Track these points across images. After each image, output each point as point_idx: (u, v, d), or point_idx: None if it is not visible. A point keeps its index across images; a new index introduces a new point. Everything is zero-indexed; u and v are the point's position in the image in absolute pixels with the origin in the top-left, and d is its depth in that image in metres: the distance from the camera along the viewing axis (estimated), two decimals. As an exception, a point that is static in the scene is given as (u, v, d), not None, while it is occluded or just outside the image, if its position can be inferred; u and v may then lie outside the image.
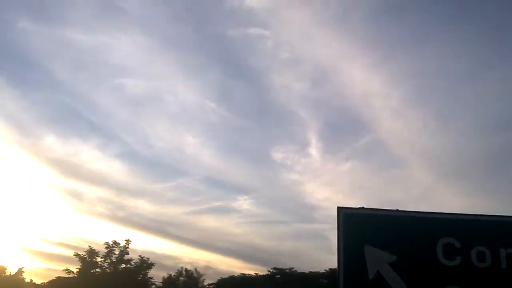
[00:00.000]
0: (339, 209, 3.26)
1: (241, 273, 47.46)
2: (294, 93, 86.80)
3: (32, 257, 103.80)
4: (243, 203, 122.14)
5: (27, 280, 55.05)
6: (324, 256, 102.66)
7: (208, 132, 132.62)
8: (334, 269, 37.68)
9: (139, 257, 30.61)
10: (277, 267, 44.68)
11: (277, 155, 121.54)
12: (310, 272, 43.11)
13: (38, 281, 57.91)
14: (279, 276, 41.89)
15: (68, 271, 28.87)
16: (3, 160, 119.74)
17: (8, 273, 53.64)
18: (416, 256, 3.04)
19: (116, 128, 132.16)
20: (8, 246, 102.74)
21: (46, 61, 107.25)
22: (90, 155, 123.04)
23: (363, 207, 3.25)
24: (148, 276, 31.40)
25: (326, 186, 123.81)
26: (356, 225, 3.21)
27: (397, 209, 3.22)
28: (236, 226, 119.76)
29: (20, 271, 54.42)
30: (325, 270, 42.01)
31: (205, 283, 43.40)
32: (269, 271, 44.73)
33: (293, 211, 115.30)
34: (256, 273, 46.35)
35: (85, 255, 28.39)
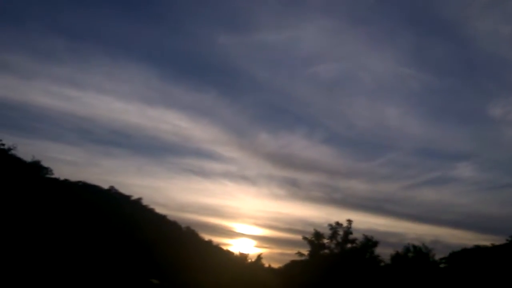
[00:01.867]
0: None
1: (475, 245, 43.27)
2: (503, 37, 74.33)
3: (267, 244, 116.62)
4: (464, 170, 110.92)
5: (266, 265, 62.20)
6: None
7: (410, 100, 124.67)
8: None
9: (363, 236, 30.91)
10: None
11: (496, 110, 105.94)
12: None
13: (275, 265, 64.85)
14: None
15: (300, 253, 31.07)
16: (230, 160, 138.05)
17: (249, 260, 61.54)
18: None
19: (317, 115, 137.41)
20: (244, 236, 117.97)
21: (246, 66, 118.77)
22: (299, 144, 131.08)
23: None
24: (375, 254, 31.45)
25: None
26: None
27: None
28: (459, 196, 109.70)
29: (259, 258, 61.76)
30: None
31: (435, 257, 40.97)
32: (507, 240, 39.56)
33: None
34: (492, 244, 41.54)
35: (312, 238, 30.13)
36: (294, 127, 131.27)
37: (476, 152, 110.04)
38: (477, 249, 41.72)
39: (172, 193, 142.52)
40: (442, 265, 41.24)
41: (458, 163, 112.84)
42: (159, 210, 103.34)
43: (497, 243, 41.26)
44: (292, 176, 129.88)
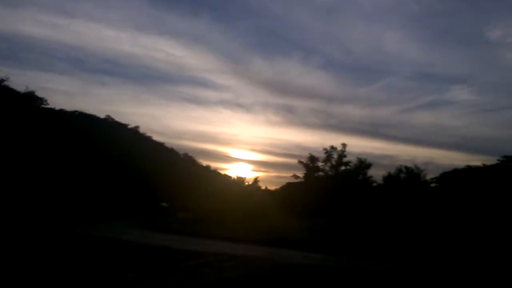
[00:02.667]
0: None
1: (466, 165, 44.42)
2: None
3: (263, 168, 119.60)
4: (460, 93, 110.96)
5: (262, 187, 64.39)
6: None
7: (409, 24, 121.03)
8: None
9: (357, 159, 31.60)
10: (508, 155, 40.03)
11: (494, 33, 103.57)
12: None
13: (271, 187, 67.13)
14: (512, 164, 37.59)
15: (295, 176, 31.96)
16: (225, 87, 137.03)
17: (246, 183, 63.53)
18: None
19: (314, 40, 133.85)
20: (242, 161, 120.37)
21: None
22: (295, 71, 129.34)
23: None
24: (368, 175, 32.36)
25: None
26: None
27: None
28: (454, 119, 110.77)
29: (256, 181, 63.72)
30: None
31: (427, 178, 42.31)
32: (498, 160, 40.49)
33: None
34: (483, 164, 42.62)
35: (307, 161, 30.81)
36: (290, 53, 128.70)
37: (472, 75, 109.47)
38: (468, 169, 42.80)
39: (168, 121, 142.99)
40: (433, 185, 42.67)
41: (454, 86, 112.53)
42: (156, 138, 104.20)
43: (488, 163, 42.35)
44: (288, 103, 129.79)
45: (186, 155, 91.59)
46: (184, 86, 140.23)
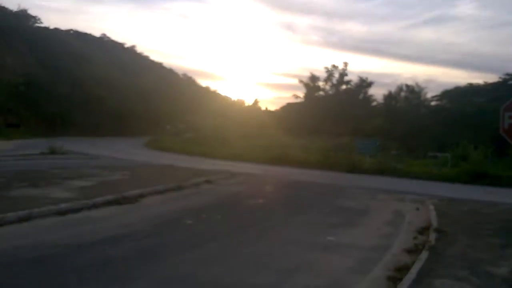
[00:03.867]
0: None
1: (468, 83, 44.26)
2: None
3: (264, 89, 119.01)
4: (465, 8, 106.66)
5: (263, 108, 64.76)
6: None
7: None
8: None
9: (358, 77, 31.48)
10: (509, 72, 39.74)
11: None
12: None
13: (272, 108, 67.50)
14: (513, 81, 37.48)
15: (296, 96, 32.12)
16: (221, 2, 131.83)
17: (246, 105, 63.76)
18: None
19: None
20: (243, 82, 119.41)
21: None
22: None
23: None
24: (369, 94, 32.46)
25: None
26: None
27: None
28: (458, 35, 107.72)
29: (256, 102, 63.88)
30: None
31: (428, 95, 42.42)
32: (500, 78, 40.31)
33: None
34: (485, 82, 42.52)
35: (308, 81, 30.76)
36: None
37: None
38: (470, 86, 42.80)
39: (165, 40, 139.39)
40: (433, 103, 42.99)
41: (459, 1, 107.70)
42: (154, 57, 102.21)
43: (490, 81, 42.24)
44: (288, 20, 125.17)
45: (185, 75, 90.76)
46: (182, 1, 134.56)
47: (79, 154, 23.54)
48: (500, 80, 39.67)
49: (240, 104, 65.36)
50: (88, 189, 10.98)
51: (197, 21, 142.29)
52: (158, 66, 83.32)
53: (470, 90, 41.27)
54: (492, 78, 60.33)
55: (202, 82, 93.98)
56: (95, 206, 9.22)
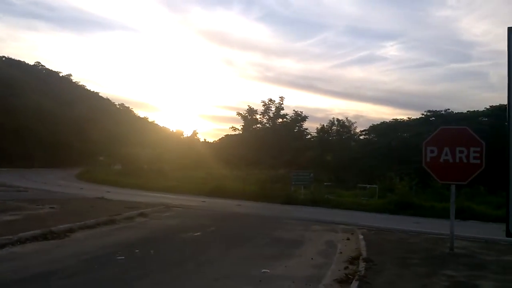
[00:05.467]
0: (510, 29, 2.93)
1: (393, 119, 47.29)
2: None
3: (203, 120, 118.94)
4: (390, 49, 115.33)
5: (201, 140, 64.66)
6: (483, 94, 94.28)
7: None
8: (496, 106, 34.88)
9: (294, 112, 32.55)
10: (430, 109, 43.10)
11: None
12: (468, 111, 40.71)
13: (210, 140, 67.58)
14: (433, 118, 40.58)
15: (234, 128, 32.44)
16: (157, 31, 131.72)
17: (185, 136, 63.35)
18: None
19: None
20: (181, 114, 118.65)
21: None
22: (235, 21, 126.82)
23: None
24: (303, 127, 33.59)
25: (485, 19, 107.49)
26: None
27: None
28: (384, 74, 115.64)
29: (194, 133, 63.64)
30: (485, 108, 39.20)
31: (357, 130, 44.84)
32: (422, 114, 43.52)
33: (447, 51, 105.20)
34: (408, 118, 45.67)
35: (246, 113, 31.27)
36: (230, 3, 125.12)
37: (402, 32, 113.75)
38: (395, 122, 45.70)
39: (103, 70, 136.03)
40: (362, 137, 45.46)
41: (385, 43, 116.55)
42: (90, 87, 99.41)
43: (413, 117, 45.44)
44: (227, 55, 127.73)
45: (122, 105, 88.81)
46: (119, 31, 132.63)
47: (6, 186, 22.19)
48: (423, 116, 42.76)
49: (178, 135, 64.80)
50: (13, 224, 10.33)
51: (136, 51, 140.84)
52: (95, 96, 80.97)
53: (395, 125, 44.09)
54: (415, 114, 64.93)
55: (140, 113, 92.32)
56: (20, 241, 8.70)
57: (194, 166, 43.45)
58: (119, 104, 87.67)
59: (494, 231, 12.63)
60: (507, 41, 2.98)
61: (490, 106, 37.90)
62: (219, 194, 24.69)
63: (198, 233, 11.64)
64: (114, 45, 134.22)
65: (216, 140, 63.08)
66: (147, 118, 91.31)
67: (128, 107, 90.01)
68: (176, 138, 60.87)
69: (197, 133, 63.39)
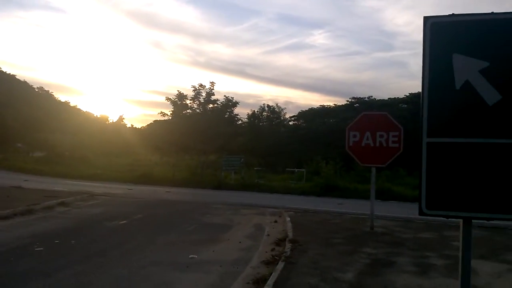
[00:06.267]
0: (426, 18, 3.05)
1: (320, 105, 48.89)
2: None
3: (130, 105, 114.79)
4: (319, 37, 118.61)
5: (128, 125, 62.42)
6: (403, 82, 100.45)
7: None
8: (414, 93, 37.28)
9: (224, 97, 32.33)
10: (355, 96, 45.12)
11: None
12: (389, 98, 43.14)
13: (138, 125, 65.46)
14: (358, 104, 42.51)
15: (163, 114, 31.54)
16: (81, 11, 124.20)
17: (110, 121, 60.84)
18: (510, 60, 2.84)
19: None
20: (107, 98, 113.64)
21: None
22: (163, 2, 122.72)
23: (453, 14, 3.01)
24: (234, 113, 33.51)
25: (408, 9, 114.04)
26: (444, 34, 3.01)
27: (492, 12, 2.94)
28: (313, 62, 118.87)
29: (120, 119, 61.40)
30: (404, 95, 41.75)
31: (287, 116, 45.81)
32: (347, 100, 45.40)
33: (371, 41, 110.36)
34: (335, 104, 47.44)
35: (175, 99, 30.51)
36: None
37: (331, 21, 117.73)
38: (323, 108, 47.26)
39: (20, 51, 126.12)
40: (291, 123, 46.58)
41: (315, 31, 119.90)
42: (6, 68, 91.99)
43: (339, 103, 47.30)
44: (156, 38, 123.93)
45: (41, 89, 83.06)
46: (37, 10, 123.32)
47: None
48: (348, 103, 44.62)
49: (103, 120, 62.07)
50: None
51: (59, 32, 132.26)
52: (11, 78, 74.79)
53: (323, 112, 45.64)
54: (341, 101, 67.76)
55: (62, 97, 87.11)
56: None
57: (120, 152, 41.92)
58: (38, 88, 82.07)
59: (412, 211, 13.51)
60: (423, 30, 3.09)
61: (410, 94, 40.40)
62: (147, 181, 24.08)
63: (124, 221, 11.27)
64: (34, 25, 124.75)
65: (144, 126, 61.28)
66: (69, 102, 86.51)
67: (48, 90, 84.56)
68: (101, 123, 58.24)
69: (124, 118, 61.27)
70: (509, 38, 2.87)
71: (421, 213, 3.08)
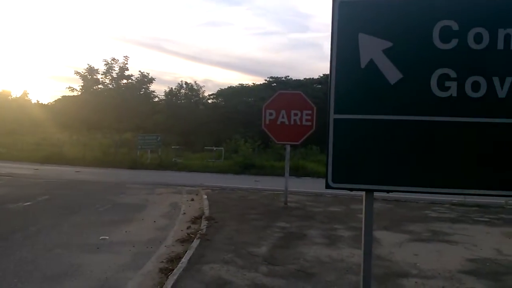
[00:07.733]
0: (334, 1, 3.11)
1: (239, 84, 49.04)
2: None
3: (36, 79, 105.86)
4: (238, 15, 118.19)
5: (33, 101, 57.53)
6: (318, 64, 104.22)
7: None
8: (327, 74, 38.89)
9: (139, 73, 31.06)
10: (273, 76, 45.92)
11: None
12: (305, 79, 44.53)
13: (45, 101, 60.59)
14: (275, 84, 43.31)
15: (72, 89, 29.56)
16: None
17: (13, 97, 55.70)
18: (412, 41, 3.01)
19: None
20: (7, 71, 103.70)
21: None
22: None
23: (360, -5, 3.10)
24: (150, 90, 32.40)
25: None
26: (351, 13, 3.09)
27: (396, -6, 3.07)
28: (232, 40, 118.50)
29: (25, 94, 56.46)
30: (319, 76, 43.35)
31: (205, 94, 45.36)
32: (265, 80, 46.09)
33: (288, 21, 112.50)
34: (253, 83, 47.88)
35: (85, 73, 28.67)
36: None
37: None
38: (242, 87, 47.48)
39: None
40: (210, 101, 46.20)
41: (233, 7, 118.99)
42: None
43: (258, 82, 47.82)
44: (59, 5, 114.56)
45: None
46: None
47: None
48: (266, 82, 45.30)
49: (4, 96, 56.44)
50: None
51: None
52: None
53: (241, 90, 45.84)
54: (259, 80, 68.72)
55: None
56: None
57: (25, 131, 38.70)
58: None
59: (323, 186, 14.25)
60: (331, 10, 3.13)
61: (324, 75, 41.96)
62: (55, 161, 22.61)
63: (29, 203, 10.49)
64: None
65: (52, 102, 57.03)
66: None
67: None
68: (1, 99, 53.00)
69: (28, 93, 56.47)
70: (411, 19, 3.03)
71: (327, 186, 3.20)
